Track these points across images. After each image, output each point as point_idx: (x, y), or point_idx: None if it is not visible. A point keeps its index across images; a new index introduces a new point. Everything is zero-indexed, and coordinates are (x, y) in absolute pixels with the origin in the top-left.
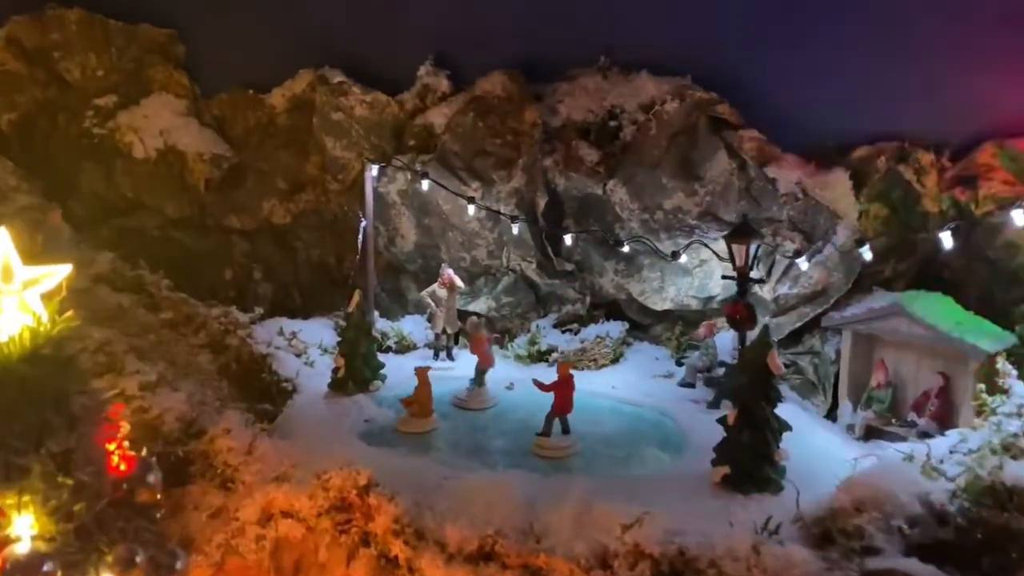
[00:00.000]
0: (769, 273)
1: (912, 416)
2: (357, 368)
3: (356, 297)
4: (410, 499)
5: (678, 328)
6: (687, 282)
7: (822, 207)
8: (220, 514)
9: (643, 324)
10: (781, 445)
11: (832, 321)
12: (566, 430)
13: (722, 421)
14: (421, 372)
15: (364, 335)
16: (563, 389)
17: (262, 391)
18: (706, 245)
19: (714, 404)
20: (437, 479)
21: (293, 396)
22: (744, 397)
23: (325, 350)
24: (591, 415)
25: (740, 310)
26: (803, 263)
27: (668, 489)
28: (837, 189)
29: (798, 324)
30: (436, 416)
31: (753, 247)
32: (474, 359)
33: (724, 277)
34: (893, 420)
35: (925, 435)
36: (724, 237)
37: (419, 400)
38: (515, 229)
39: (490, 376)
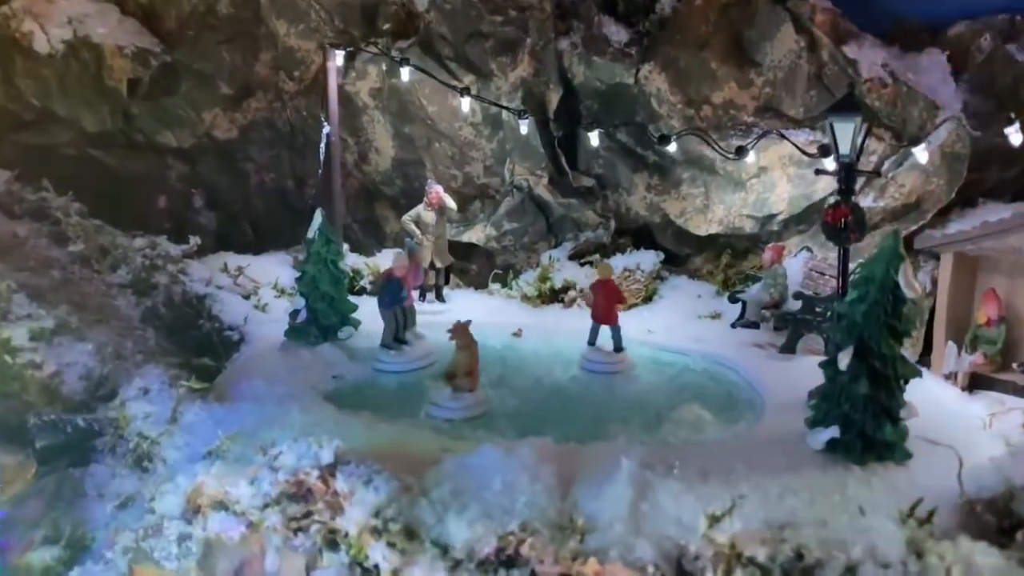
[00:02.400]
0: None
1: None
2: (321, 311)
3: (317, 219)
4: (396, 482)
5: (725, 257)
6: (739, 198)
7: (916, 95)
8: (131, 505)
9: (679, 255)
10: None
11: (930, 241)
12: (617, 347)
13: (827, 366)
14: (463, 329)
15: (329, 269)
16: (600, 295)
17: (200, 342)
18: (783, 136)
19: (788, 347)
20: (433, 453)
21: (240, 348)
22: (862, 332)
23: (281, 291)
24: None
25: (845, 214)
26: (920, 153)
27: (751, 461)
28: (933, 74)
29: None
30: None
31: (863, 128)
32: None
33: (818, 172)
34: (1014, 365)
35: None
36: (826, 114)
37: (474, 368)
38: (523, 128)
39: (491, 320)
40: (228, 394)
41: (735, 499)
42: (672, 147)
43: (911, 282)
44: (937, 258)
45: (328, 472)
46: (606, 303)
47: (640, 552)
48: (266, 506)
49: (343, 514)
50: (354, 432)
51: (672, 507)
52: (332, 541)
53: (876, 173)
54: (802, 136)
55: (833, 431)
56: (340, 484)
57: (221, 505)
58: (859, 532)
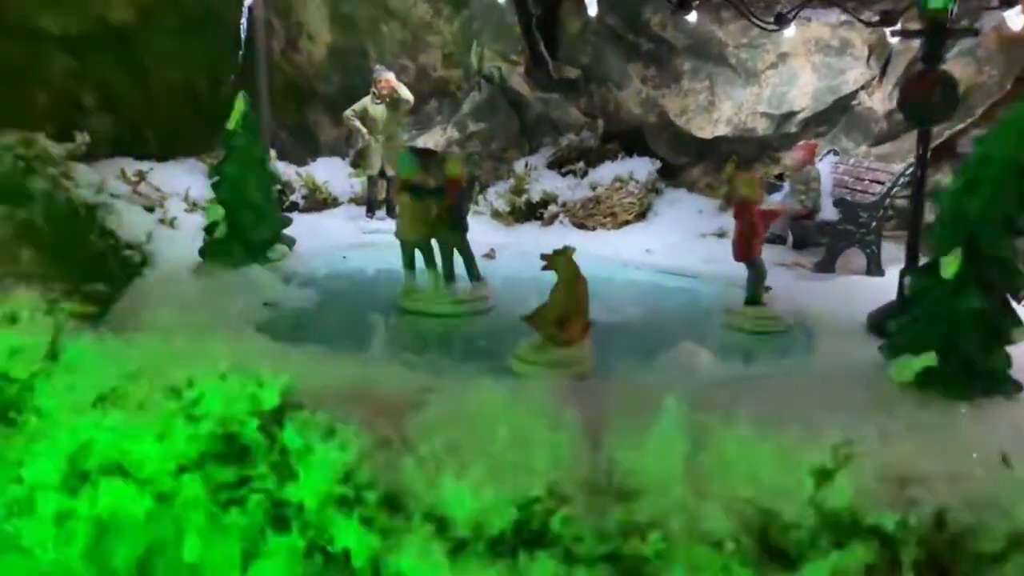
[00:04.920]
0: (883, 75)
1: None
2: (247, 223)
3: (240, 106)
4: (369, 434)
5: (730, 166)
6: (751, 93)
7: None
8: None
9: (674, 164)
10: None
11: None
12: (750, 298)
13: (923, 276)
14: (566, 259)
15: (255, 171)
16: (741, 221)
17: (90, 263)
18: (834, 2)
19: (826, 265)
20: (411, 394)
21: (142, 271)
22: (974, 230)
23: (194, 204)
24: (625, 293)
25: (930, 84)
26: (1015, 18)
27: (825, 399)
28: None
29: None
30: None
31: None
32: None
33: (894, 33)
34: None
35: None
36: None
37: (575, 312)
38: None
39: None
40: (127, 324)
41: (841, 447)
42: (691, 17)
43: None
44: None
45: (273, 420)
46: (746, 233)
47: (711, 522)
48: (183, 470)
49: (295, 480)
50: (301, 368)
51: (743, 461)
52: (280, 518)
53: (974, 32)
54: (832, 17)
55: (928, 358)
56: (290, 438)
57: (118, 470)
58: (1014, 489)
